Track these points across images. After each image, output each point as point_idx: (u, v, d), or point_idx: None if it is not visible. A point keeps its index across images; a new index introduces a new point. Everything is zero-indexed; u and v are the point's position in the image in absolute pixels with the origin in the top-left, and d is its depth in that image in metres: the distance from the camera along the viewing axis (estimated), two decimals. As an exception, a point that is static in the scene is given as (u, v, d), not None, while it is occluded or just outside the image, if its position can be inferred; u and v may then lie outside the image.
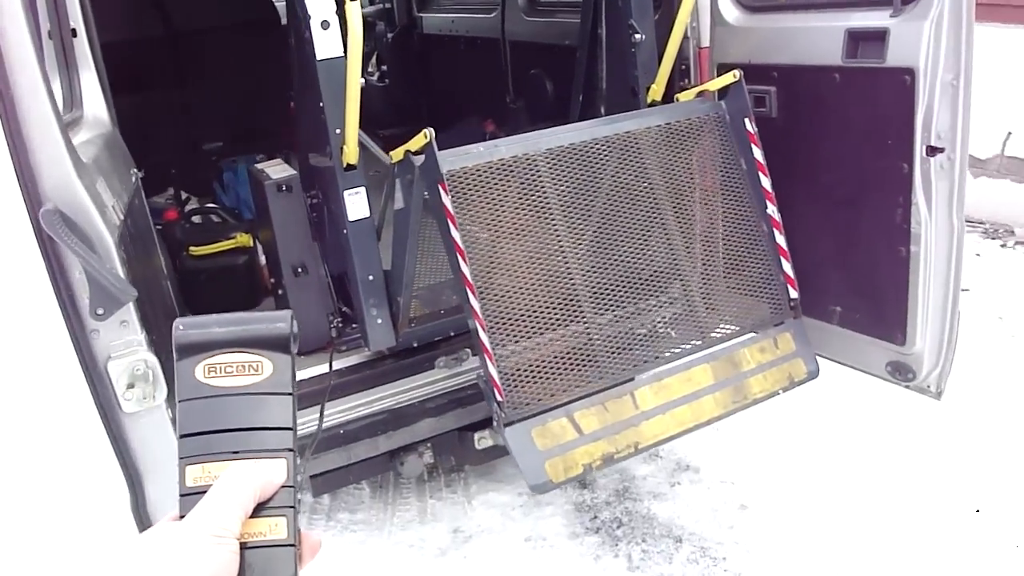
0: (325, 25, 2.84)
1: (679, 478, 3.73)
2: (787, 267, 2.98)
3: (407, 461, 3.39)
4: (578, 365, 2.65)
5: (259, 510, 0.73)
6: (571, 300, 2.68)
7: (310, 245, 3.36)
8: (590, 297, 2.70)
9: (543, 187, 2.71)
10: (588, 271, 2.72)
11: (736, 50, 3.43)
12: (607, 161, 2.86)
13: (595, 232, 2.78)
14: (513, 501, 3.67)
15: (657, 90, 3.42)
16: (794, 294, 2.99)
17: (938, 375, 3.04)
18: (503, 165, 2.69)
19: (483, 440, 3.48)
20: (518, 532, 3.48)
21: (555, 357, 2.62)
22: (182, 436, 0.74)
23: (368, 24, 5.62)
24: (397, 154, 2.79)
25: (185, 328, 0.76)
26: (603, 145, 2.88)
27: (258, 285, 3.99)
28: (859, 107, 3.00)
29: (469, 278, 2.48)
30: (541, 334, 2.61)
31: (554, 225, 2.70)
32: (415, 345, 3.27)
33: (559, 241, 2.69)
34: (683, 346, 2.81)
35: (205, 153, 4.93)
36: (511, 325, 2.57)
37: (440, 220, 2.56)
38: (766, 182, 2.99)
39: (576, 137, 2.87)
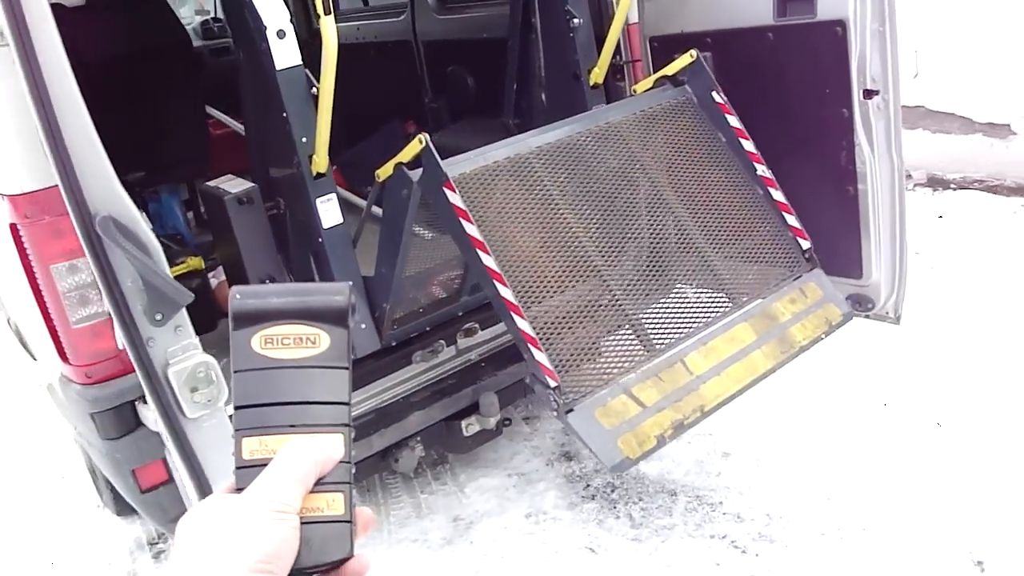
0: (281, 34, 2.85)
1: (657, 438, 3.88)
2: (792, 220, 3.08)
3: (401, 456, 3.42)
4: (621, 343, 2.67)
5: (316, 486, 0.73)
6: (598, 282, 2.71)
7: (275, 257, 3.34)
8: (615, 277, 2.74)
9: (542, 182, 2.77)
10: (606, 253, 2.76)
11: (667, 22, 3.60)
12: (596, 151, 2.94)
13: (602, 217, 2.84)
14: (505, 483, 3.75)
15: (599, 73, 3.55)
16: (806, 244, 3.08)
17: (895, 301, 3.29)
18: (499, 167, 2.74)
19: (471, 427, 3.55)
20: (517, 511, 3.55)
21: (597, 338, 2.65)
22: (238, 407, 0.74)
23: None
24: (385, 171, 2.78)
25: (243, 297, 0.75)
26: (589, 137, 2.96)
27: (214, 308, 3.93)
28: (795, 61, 3.21)
29: (496, 268, 2.47)
30: (577, 318, 2.63)
31: (562, 215, 2.74)
32: (393, 344, 3.30)
33: (571, 229, 2.73)
34: (717, 311, 2.85)
35: (127, 185, 4.79)
36: (546, 312, 2.58)
37: (451, 221, 2.55)
38: (749, 145, 3.12)
39: (562, 134, 2.94)
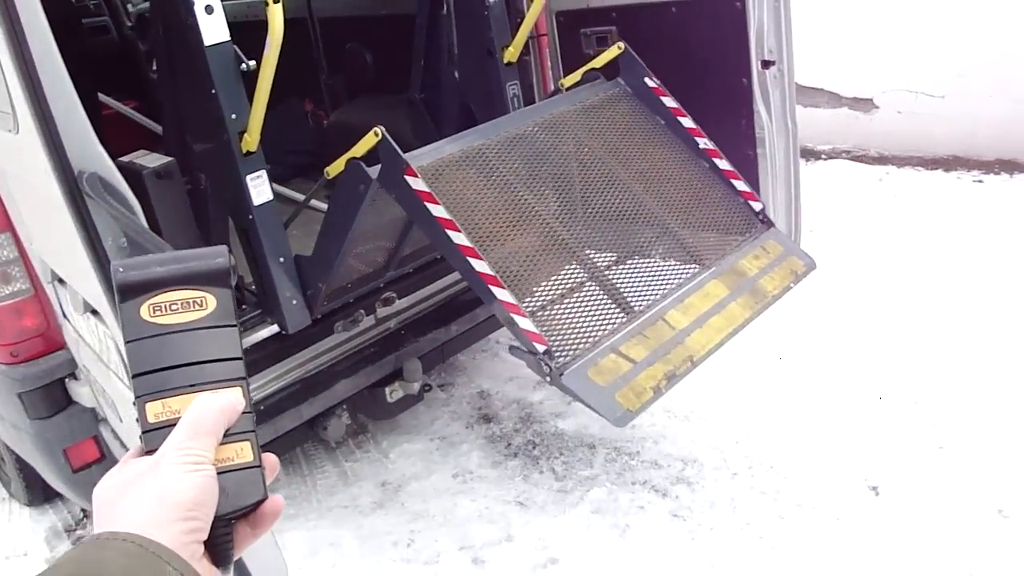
0: (209, 10, 2.82)
1: (571, 397, 4.06)
2: (741, 186, 3.24)
3: (330, 424, 3.47)
4: (601, 309, 2.73)
5: (224, 438, 0.76)
6: (567, 254, 2.78)
7: (195, 232, 3.33)
8: (584, 247, 2.82)
9: (498, 170, 2.83)
10: (571, 228, 2.84)
11: (574, -3, 3.75)
12: (546, 140, 3.03)
13: (562, 197, 2.93)
14: (428, 447, 3.85)
15: (514, 52, 3.66)
16: (758, 207, 3.23)
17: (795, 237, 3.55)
18: (454, 159, 2.79)
19: (394, 392, 3.63)
20: (444, 472, 3.67)
21: (576, 305, 2.69)
22: (135, 376, 0.75)
23: (144, 21, 5.42)
24: (336, 167, 2.77)
25: (125, 270, 0.77)
26: (537, 129, 3.05)
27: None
28: (698, 34, 3.41)
29: (468, 244, 2.50)
30: (552, 286, 2.69)
31: (522, 197, 2.80)
32: (318, 316, 3.35)
33: (533, 208, 2.79)
34: (686, 273, 2.96)
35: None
36: (522, 283, 2.62)
37: (414, 207, 2.57)
38: (688, 122, 3.28)
39: (511, 127, 3.02)
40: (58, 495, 3.79)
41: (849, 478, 3.29)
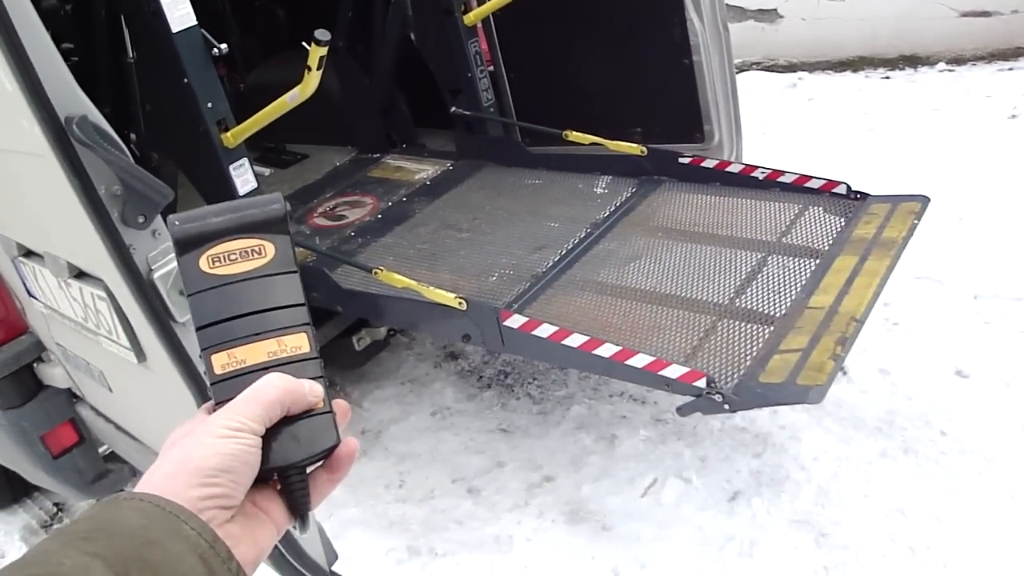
0: None
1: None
2: (814, 184, 3.23)
3: (302, 379, 3.46)
4: (743, 332, 2.63)
5: None
6: (687, 310, 2.78)
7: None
8: (697, 299, 2.84)
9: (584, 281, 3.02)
10: (677, 290, 2.90)
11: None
12: (610, 246, 3.22)
13: (653, 280, 3.03)
14: (400, 391, 3.86)
15: (474, 18, 3.63)
16: (842, 188, 3.18)
17: (736, 157, 3.64)
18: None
19: (362, 340, 3.63)
20: (421, 412, 3.69)
21: (718, 343, 2.60)
22: (199, 328, 0.76)
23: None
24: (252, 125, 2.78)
25: (182, 223, 0.77)
26: (597, 237, 3.26)
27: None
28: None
29: (618, 348, 2.45)
30: (688, 341, 2.62)
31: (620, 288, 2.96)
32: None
33: (640, 292, 2.92)
34: (808, 266, 2.89)
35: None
36: (660, 353, 2.56)
37: (547, 350, 2.60)
38: (735, 167, 3.38)
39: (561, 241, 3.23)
40: (26, 494, 3.69)
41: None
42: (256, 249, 0.77)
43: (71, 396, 2.87)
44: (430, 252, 3.34)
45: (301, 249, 3.28)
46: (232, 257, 0.76)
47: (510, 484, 3.19)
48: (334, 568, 2.33)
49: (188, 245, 0.76)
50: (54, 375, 2.79)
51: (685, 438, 3.22)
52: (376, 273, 2.88)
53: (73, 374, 2.72)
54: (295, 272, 0.78)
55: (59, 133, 1.56)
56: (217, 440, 0.70)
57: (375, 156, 4.35)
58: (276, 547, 2.15)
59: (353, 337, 3.58)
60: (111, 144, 1.59)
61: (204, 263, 0.76)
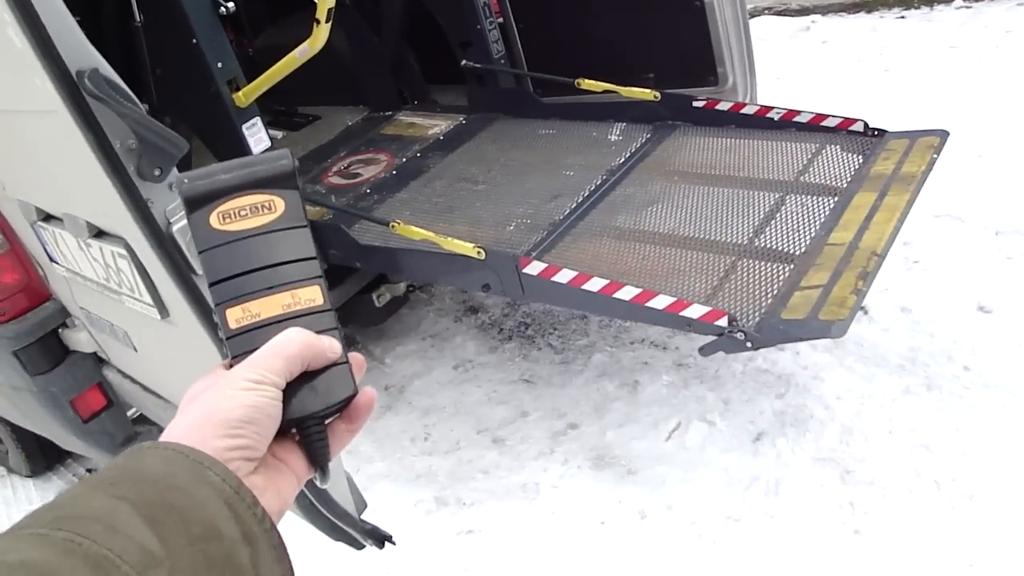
0: None
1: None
2: (830, 122, 3.23)
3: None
4: (763, 271, 2.63)
5: None
6: (707, 252, 2.80)
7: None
8: (717, 240, 2.85)
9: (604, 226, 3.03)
10: (696, 231, 2.90)
11: None
12: (628, 191, 3.23)
13: (670, 223, 3.02)
14: (422, 346, 3.88)
15: None
16: (858, 126, 3.18)
17: (751, 99, 3.61)
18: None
19: (382, 297, 3.64)
20: (444, 366, 3.71)
21: (739, 282, 2.62)
22: (212, 284, 0.76)
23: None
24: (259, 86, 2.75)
25: (191, 181, 0.77)
26: (613, 183, 3.25)
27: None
28: None
29: (639, 290, 2.47)
30: (708, 282, 2.64)
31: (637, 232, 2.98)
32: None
33: (656, 236, 2.94)
34: (827, 204, 2.88)
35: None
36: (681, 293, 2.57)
37: (567, 295, 2.62)
38: (750, 108, 3.37)
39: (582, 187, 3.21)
40: (59, 460, 3.75)
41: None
42: (266, 205, 0.77)
43: (97, 360, 2.90)
44: (446, 205, 3.33)
45: (317, 207, 3.29)
46: (242, 213, 0.76)
47: (534, 433, 3.21)
48: (363, 516, 2.36)
49: (197, 203, 0.76)
50: (79, 340, 2.81)
51: (708, 382, 3.23)
52: (393, 227, 2.88)
53: (98, 337, 2.74)
54: (305, 226, 0.78)
55: (71, 88, 1.56)
56: (241, 392, 0.70)
57: (387, 114, 4.33)
58: (306, 497, 2.17)
59: (373, 294, 3.59)
60: (124, 97, 1.59)
61: (214, 220, 0.76)
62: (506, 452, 3.17)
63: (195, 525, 0.61)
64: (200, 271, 1.84)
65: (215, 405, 0.70)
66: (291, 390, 0.74)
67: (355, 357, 0.80)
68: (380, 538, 2.24)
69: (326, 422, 0.77)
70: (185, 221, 1.78)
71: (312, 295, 0.77)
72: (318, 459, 0.77)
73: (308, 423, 0.75)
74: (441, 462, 3.20)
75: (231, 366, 0.74)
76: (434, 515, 2.98)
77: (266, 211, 0.77)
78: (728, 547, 2.64)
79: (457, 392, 3.53)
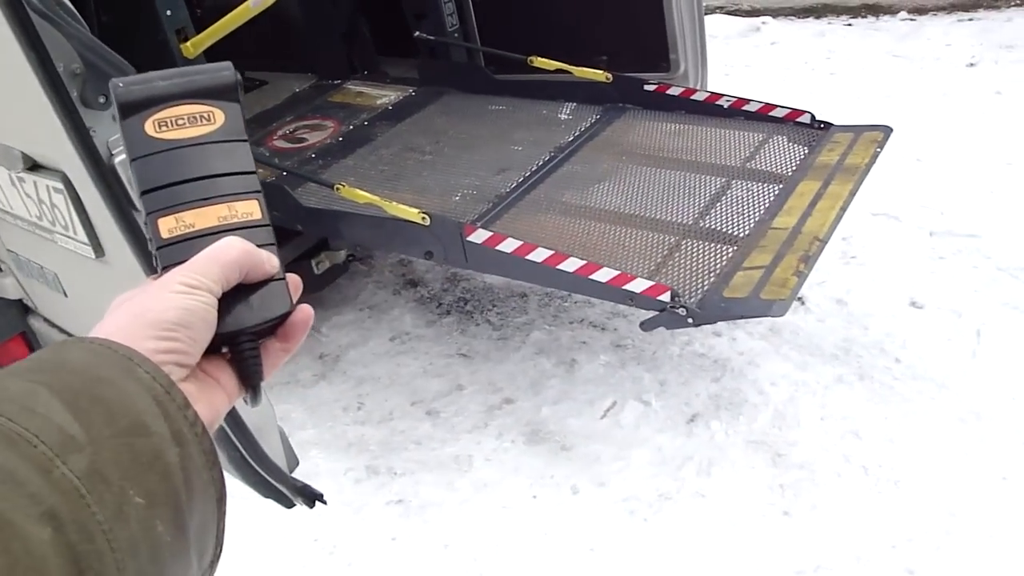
0: None
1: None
2: (778, 112, 3.28)
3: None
4: (707, 251, 2.66)
5: None
6: (649, 230, 2.81)
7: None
8: (662, 219, 2.87)
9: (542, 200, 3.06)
10: (639, 210, 2.92)
11: None
12: (575, 168, 3.27)
13: (614, 199, 3.04)
14: (359, 316, 3.82)
15: None
16: (806, 118, 3.23)
17: (701, 87, 3.63)
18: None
19: (321, 264, 3.58)
20: (380, 337, 3.66)
21: (682, 260, 2.65)
22: (144, 192, 0.72)
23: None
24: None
25: (126, 85, 0.73)
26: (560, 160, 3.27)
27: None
28: None
29: (583, 262, 2.47)
30: (651, 260, 2.65)
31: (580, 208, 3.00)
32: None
33: (599, 212, 2.96)
34: (772, 191, 2.92)
35: None
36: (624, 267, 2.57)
37: (511, 264, 2.63)
38: (700, 95, 3.41)
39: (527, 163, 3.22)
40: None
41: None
42: (205, 115, 0.74)
43: (23, 308, 2.78)
44: (392, 173, 3.29)
45: (261, 168, 3.21)
46: (179, 122, 0.73)
47: (469, 406, 3.19)
48: (294, 475, 2.31)
49: (132, 108, 0.72)
50: (4, 285, 2.70)
51: (645, 363, 3.24)
52: (338, 189, 2.83)
53: (25, 283, 2.63)
54: (245, 141, 0.75)
55: (15, 2, 1.48)
56: (174, 295, 0.66)
57: (336, 82, 4.26)
58: (237, 449, 2.12)
59: (312, 260, 3.53)
60: (71, 16, 1.52)
61: (150, 127, 0.72)
62: (440, 424, 3.14)
63: (121, 418, 0.58)
64: (134, 183, 1.78)
65: (147, 306, 0.66)
66: (225, 303, 0.70)
67: (292, 277, 0.76)
68: (311, 496, 2.19)
69: (260, 340, 0.73)
70: (124, 156, 1.73)
71: (250, 208, 0.74)
72: (250, 378, 0.73)
73: (241, 339, 0.71)
74: (373, 432, 3.16)
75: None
76: (364, 483, 2.94)
77: (204, 122, 0.74)
78: (659, 525, 2.64)
79: (393, 364, 3.48)
